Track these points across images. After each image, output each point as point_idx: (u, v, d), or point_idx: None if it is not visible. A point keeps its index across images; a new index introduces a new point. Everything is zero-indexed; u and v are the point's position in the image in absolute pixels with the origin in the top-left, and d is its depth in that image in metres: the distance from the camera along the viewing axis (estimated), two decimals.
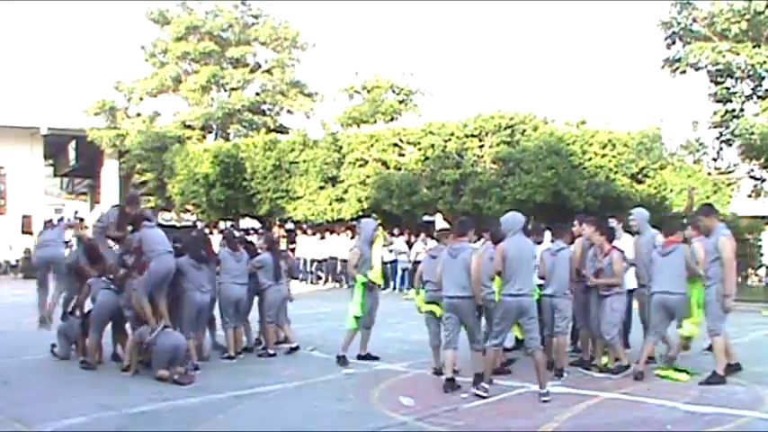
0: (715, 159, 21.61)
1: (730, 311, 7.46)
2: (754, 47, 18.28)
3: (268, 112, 33.34)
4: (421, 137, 20.85)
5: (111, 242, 8.99)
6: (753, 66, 18.30)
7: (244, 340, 9.40)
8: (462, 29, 76.40)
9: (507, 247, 7.05)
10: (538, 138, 19.34)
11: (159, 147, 29.87)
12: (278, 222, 25.22)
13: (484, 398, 6.87)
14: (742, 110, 19.65)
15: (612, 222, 9.00)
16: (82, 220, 12.26)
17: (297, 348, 9.39)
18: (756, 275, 19.99)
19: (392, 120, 26.95)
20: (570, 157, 18.57)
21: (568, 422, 6.07)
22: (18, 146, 32.40)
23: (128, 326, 8.55)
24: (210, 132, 32.21)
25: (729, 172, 21.39)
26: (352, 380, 7.81)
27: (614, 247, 8.06)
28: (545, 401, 6.70)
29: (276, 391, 7.37)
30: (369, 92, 29.79)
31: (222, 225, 26.90)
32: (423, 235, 19.86)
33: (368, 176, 21.35)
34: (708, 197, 19.56)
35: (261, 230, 24.37)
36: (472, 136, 20.13)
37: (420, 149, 20.76)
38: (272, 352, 9.20)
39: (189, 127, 31.20)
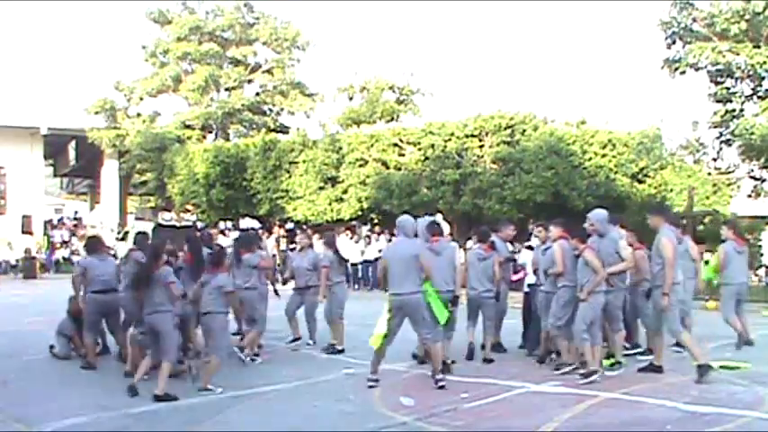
0: (715, 159, 21.59)
1: (666, 311, 7.47)
2: (753, 47, 18.27)
3: (268, 113, 33.38)
4: (421, 137, 20.86)
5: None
6: (753, 66, 18.28)
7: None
8: (462, 29, 76.45)
9: (387, 250, 7.63)
10: (538, 138, 19.35)
11: (159, 147, 29.90)
12: (278, 222, 25.22)
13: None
14: (742, 110, 19.62)
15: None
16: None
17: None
18: (756, 275, 19.97)
19: (390, 120, 26.97)
20: (570, 157, 18.58)
21: (568, 422, 6.07)
22: (18, 146, 32.44)
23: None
24: (210, 132, 32.25)
25: (729, 172, 21.37)
26: (352, 380, 7.80)
27: (588, 246, 7.79)
28: (441, 387, 7.17)
29: (276, 391, 7.37)
30: (367, 91, 29.78)
31: (222, 225, 26.93)
32: None
33: (368, 176, 21.35)
34: (708, 197, 19.56)
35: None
36: (472, 136, 20.14)
37: (420, 149, 20.76)
38: (340, 348, 9.42)
39: (189, 127, 31.23)
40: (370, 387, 7.34)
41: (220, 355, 7.28)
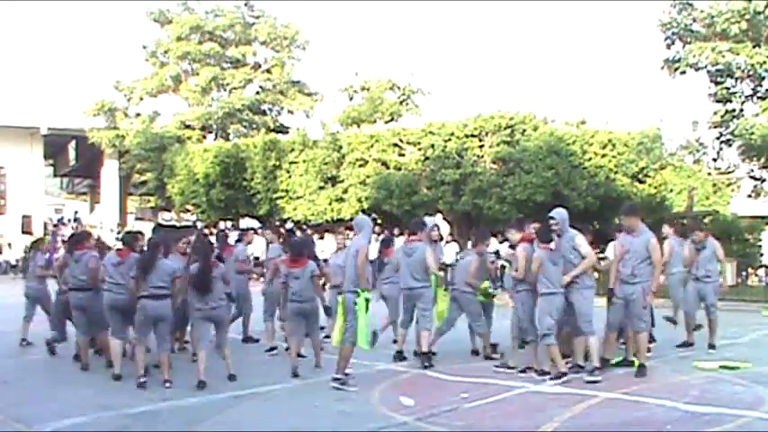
0: (715, 159, 21.62)
1: (647, 307, 7.90)
2: (753, 47, 18.26)
3: (268, 112, 33.36)
4: (421, 137, 20.83)
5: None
6: (753, 66, 18.27)
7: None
8: (462, 29, 76.44)
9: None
10: (538, 138, 19.33)
11: (159, 147, 29.88)
12: (278, 222, 25.19)
13: None
14: (742, 110, 19.63)
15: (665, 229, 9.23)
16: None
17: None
18: (756, 275, 20.00)
19: (392, 120, 26.94)
20: (570, 157, 18.56)
21: (568, 422, 6.07)
22: (18, 146, 32.44)
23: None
24: (210, 132, 32.23)
25: (729, 172, 21.39)
26: (352, 380, 7.79)
27: (547, 246, 7.84)
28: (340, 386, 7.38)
29: (276, 391, 7.38)
30: (367, 91, 29.76)
31: (222, 225, 26.91)
32: None
33: (368, 176, 21.33)
34: (708, 197, 19.57)
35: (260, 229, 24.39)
36: (472, 136, 20.11)
37: (420, 149, 20.74)
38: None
39: (189, 127, 31.20)
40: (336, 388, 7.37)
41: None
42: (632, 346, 8.19)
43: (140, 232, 9.35)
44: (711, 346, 9.27)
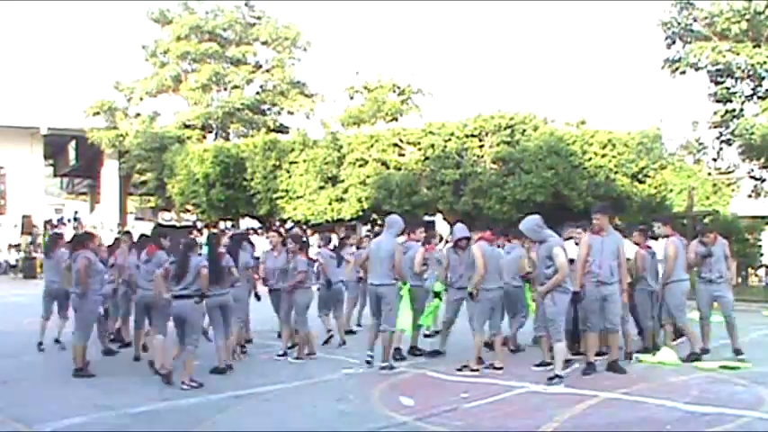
0: (715, 159, 21.60)
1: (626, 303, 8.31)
2: (754, 47, 18.24)
3: (268, 112, 33.35)
4: (421, 137, 20.84)
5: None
6: (753, 66, 18.25)
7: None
8: (462, 29, 76.46)
9: (370, 245, 8.58)
10: (538, 138, 19.33)
11: (159, 147, 29.87)
12: (278, 222, 25.19)
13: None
14: (742, 110, 19.61)
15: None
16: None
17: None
18: (756, 275, 19.99)
19: (394, 120, 26.93)
20: (570, 157, 18.56)
21: (568, 422, 6.07)
22: (18, 146, 32.43)
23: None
24: (210, 132, 32.21)
25: (729, 172, 21.37)
26: (352, 380, 7.80)
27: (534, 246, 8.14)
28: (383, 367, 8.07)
29: (276, 391, 7.37)
30: (370, 91, 29.74)
31: (222, 225, 26.89)
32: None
33: (368, 176, 21.33)
34: (708, 197, 19.55)
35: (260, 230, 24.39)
36: (472, 136, 20.12)
37: (420, 149, 20.75)
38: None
39: (189, 127, 31.18)
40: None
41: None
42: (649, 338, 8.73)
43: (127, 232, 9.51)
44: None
